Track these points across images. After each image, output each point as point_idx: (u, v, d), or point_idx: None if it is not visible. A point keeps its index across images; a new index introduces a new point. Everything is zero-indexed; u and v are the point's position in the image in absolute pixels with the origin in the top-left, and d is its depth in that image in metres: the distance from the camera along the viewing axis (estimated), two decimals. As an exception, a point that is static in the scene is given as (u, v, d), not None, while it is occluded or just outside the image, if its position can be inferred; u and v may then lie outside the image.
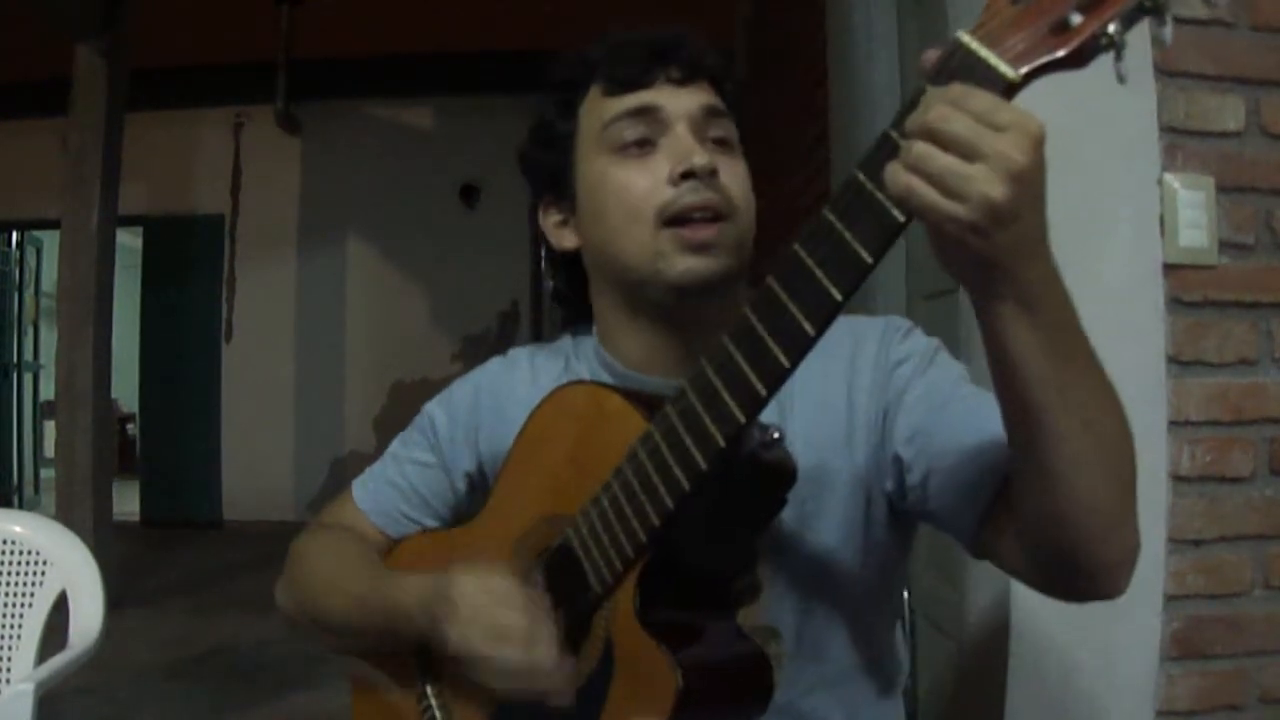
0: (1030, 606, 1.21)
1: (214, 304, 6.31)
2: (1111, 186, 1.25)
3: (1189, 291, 1.26)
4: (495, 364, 0.94)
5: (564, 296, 0.90)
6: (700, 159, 0.76)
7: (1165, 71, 1.26)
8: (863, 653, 0.81)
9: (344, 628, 0.86)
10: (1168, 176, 1.25)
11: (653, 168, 0.78)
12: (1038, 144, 0.51)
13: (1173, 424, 1.25)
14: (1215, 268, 1.27)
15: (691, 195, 0.76)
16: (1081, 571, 0.63)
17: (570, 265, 0.87)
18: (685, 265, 0.76)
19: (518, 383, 0.88)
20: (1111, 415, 0.59)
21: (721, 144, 0.80)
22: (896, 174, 0.51)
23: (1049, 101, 1.23)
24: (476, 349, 6.09)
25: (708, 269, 0.76)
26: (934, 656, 1.46)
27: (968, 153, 0.50)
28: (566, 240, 0.85)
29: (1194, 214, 1.26)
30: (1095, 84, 1.30)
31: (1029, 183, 0.50)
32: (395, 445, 0.95)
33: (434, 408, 0.94)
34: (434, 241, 6.20)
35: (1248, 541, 1.26)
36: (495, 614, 0.69)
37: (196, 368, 6.21)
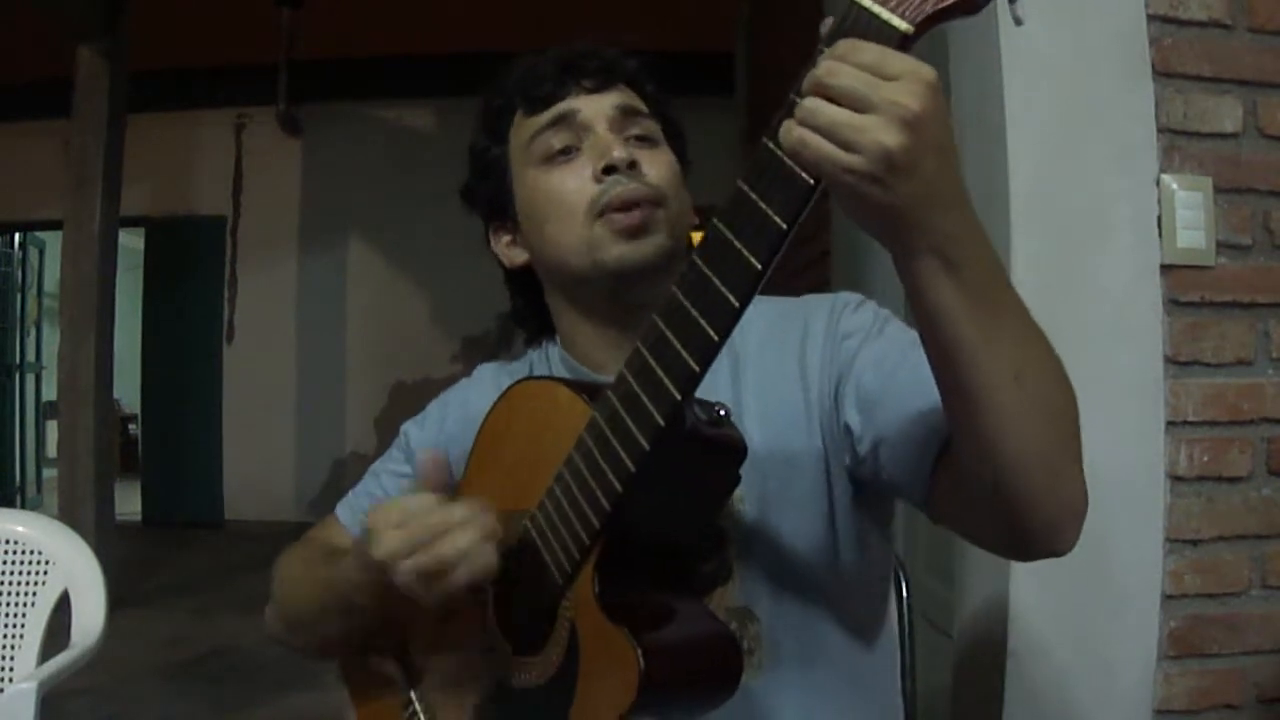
0: (1027, 605, 1.21)
1: (215, 305, 6.32)
2: (1109, 187, 1.25)
3: (1186, 292, 1.26)
4: (463, 382, 0.98)
5: (524, 315, 0.94)
6: (619, 152, 0.80)
7: (1163, 73, 1.26)
8: (845, 630, 0.81)
9: (316, 620, 0.87)
10: (1165, 177, 1.26)
11: (578, 169, 0.81)
12: (931, 90, 0.50)
13: (1170, 424, 1.25)
14: (1213, 268, 1.27)
15: (616, 188, 0.79)
16: (1025, 528, 0.62)
17: (525, 282, 0.90)
18: (619, 251, 0.79)
19: (483, 394, 0.89)
20: (1043, 367, 0.59)
21: (643, 140, 0.84)
22: (789, 130, 0.51)
23: (1048, 103, 1.25)
24: (476, 350, 6.09)
25: (641, 253, 0.79)
26: (931, 655, 1.46)
27: (859, 104, 0.50)
28: (517, 257, 0.89)
29: (1192, 215, 1.26)
30: (1093, 86, 1.31)
31: (925, 128, 0.50)
32: (375, 464, 0.99)
33: (409, 425, 0.98)
34: (435, 243, 6.19)
35: (1245, 541, 1.27)
36: (400, 503, 0.69)
37: (198, 368, 6.21)
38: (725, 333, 0.57)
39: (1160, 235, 1.25)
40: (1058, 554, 0.64)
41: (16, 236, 6.51)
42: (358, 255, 6.41)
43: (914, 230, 0.53)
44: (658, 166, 0.82)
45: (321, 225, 6.35)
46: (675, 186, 0.83)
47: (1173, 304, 1.26)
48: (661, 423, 0.60)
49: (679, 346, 0.59)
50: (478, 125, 0.90)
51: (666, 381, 0.59)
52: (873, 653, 0.84)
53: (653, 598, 0.68)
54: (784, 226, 0.53)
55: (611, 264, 0.79)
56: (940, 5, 0.50)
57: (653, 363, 0.60)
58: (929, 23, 0.51)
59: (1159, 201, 1.26)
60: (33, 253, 6.74)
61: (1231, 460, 1.27)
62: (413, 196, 6.20)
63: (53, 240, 5.91)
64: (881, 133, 0.49)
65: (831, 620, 0.80)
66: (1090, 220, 1.25)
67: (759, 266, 0.54)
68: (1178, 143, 1.27)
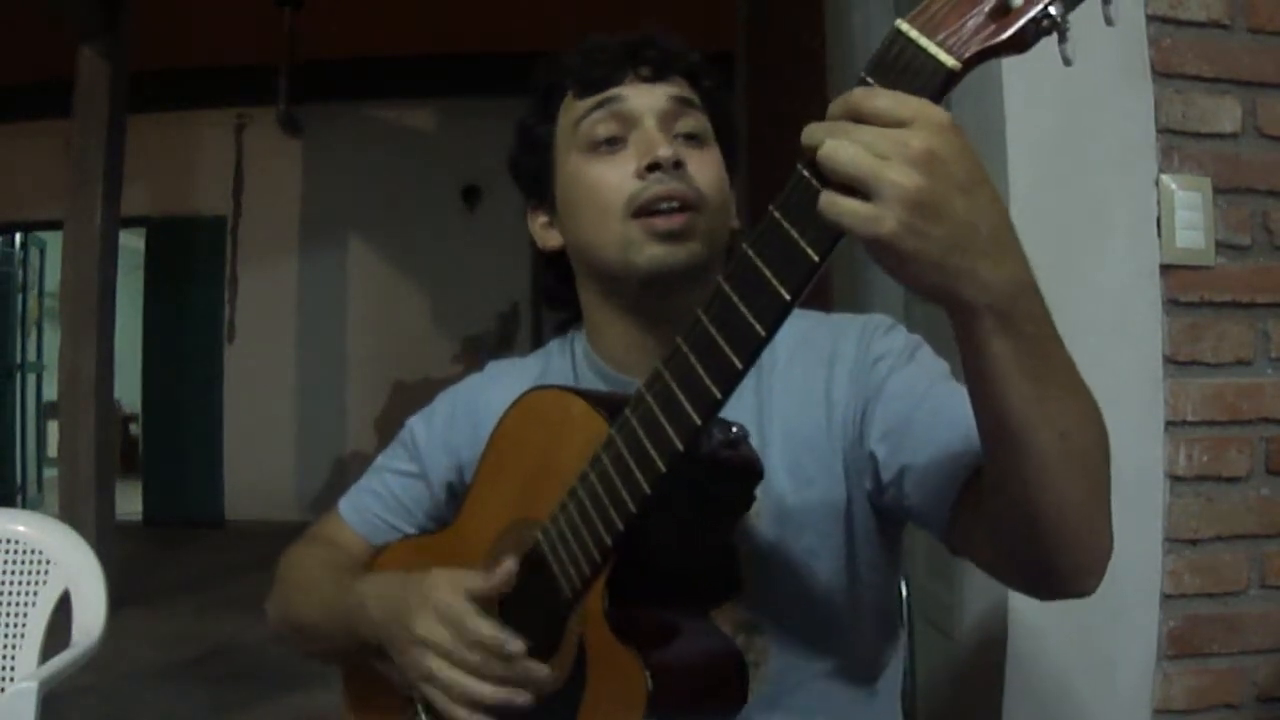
0: (1028, 606, 1.21)
1: (216, 305, 6.32)
2: (1109, 188, 1.25)
3: (1186, 292, 1.26)
4: (474, 378, 0.97)
5: (554, 297, 0.92)
6: (665, 150, 0.77)
7: (1162, 73, 1.27)
8: (851, 649, 0.81)
9: (317, 633, 0.87)
10: (1165, 178, 1.26)
11: (622, 163, 0.80)
12: (941, 129, 0.49)
13: (1170, 424, 1.25)
14: (1212, 268, 1.27)
15: (657, 186, 0.77)
16: (1053, 573, 0.62)
17: (558, 264, 0.89)
18: (653, 253, 0.78)
19: (493, 394, 0.89)
20: (1088, 422, 0.58)
21: (691, 138, 0.82)
22: (826, 199, 0.51)
23: (1048, 104, 1.25)
24: (477, 349, 6.09)
25: (675, 257, 0.78)
26: (931, 656, 1.46)
27: (873, 150, 0.49)
28: (551, 240, 0.88)
29: (1191, 215, 1.26)
30: (1092, 86, 1.31)
31: (941, 166, 0.49)
32: (378, 459, 0.98)
33: (415, 421, 0.96)
34: (435, 243, 6.21)
35: (1244, 541, 1.27)
36: (467, 617, 0.70)
37: (199, 368, 6.22)
38: (750, 361, 0.56)
39: (1159, 235, 1.25)
40: (1081, 596, 0.64)
41: (17, 236, 6.51)
42: (358, 255, 6.41)
43: (963, 281, 0.51)
44: (704, 169, 0.80)
45: (321, 225, 6.35)
46: (718, 191, 0.81)
47: (1172, 304, 1.26)
48: (680, 447, 0.60)
49: (702, 372, 0.58)
50: (528, 100, 0.88)
51: (688, 406, 0.59)
52: (877, 669, 0.83)
53: (662, 616, 0.68)
54: (816, 259, 0.52)
55: (643, 265, 0.78)
56: (989, 43, 0.49)
57: (674, 386, 0.60)
58: (977, 59, 0.50)
59: (1158, 202, 1.26)
60: (33, 253, 6.73)
61: (1230, 460, 1.27)
62: (413, 196, 6.21)
63: (53, 240, 5.90)
64: (895, 173, 0.48)
65: (841, 641, 0.80)
66: (1090, 220, 1.25)
67: (788, 298, 0.53)
68: (1177, 143, 1.27)
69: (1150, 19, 1.26)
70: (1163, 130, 1.26)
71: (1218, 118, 1.28)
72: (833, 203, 0.50)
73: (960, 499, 0.68)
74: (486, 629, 0.69)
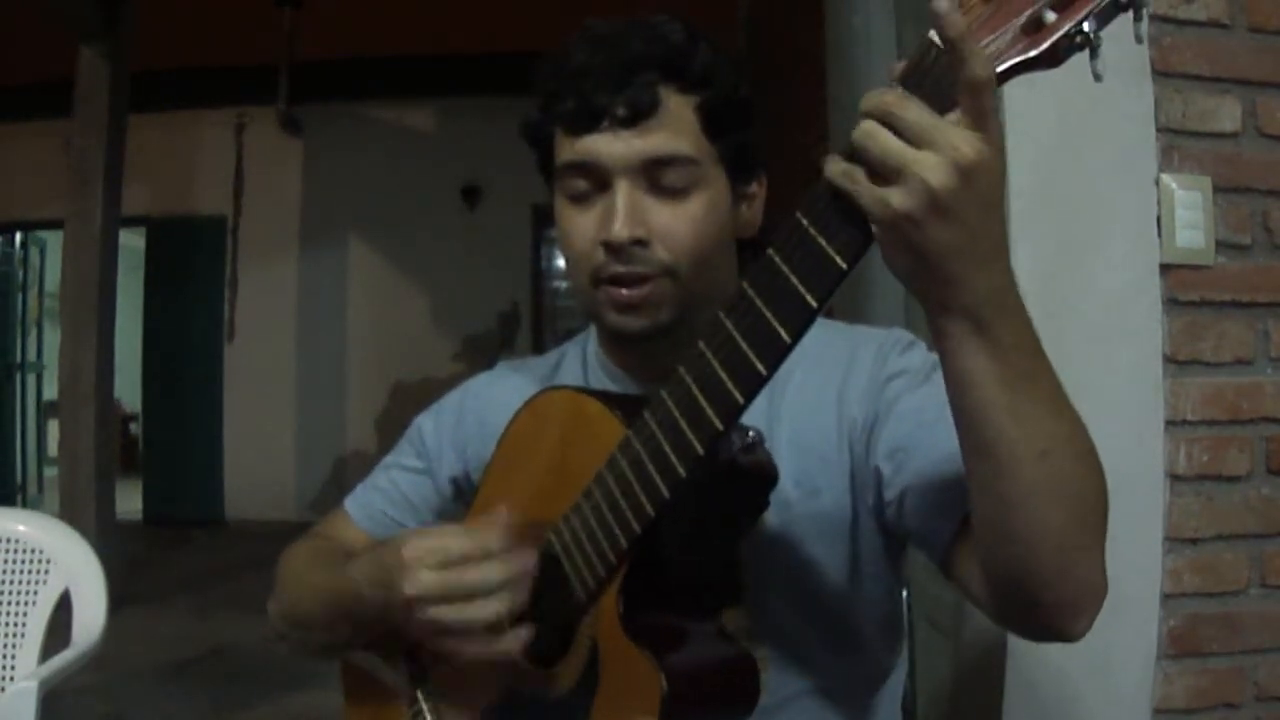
0: (1028, 605, 1.21)
1: (216, 304, 6.33)
2: (1109, 187, 1.25)
3: (1186, 291, 1.26)
4: (482, 377, 0.96)
5: None
6: (620, 231, 0.74)
7: (1162, 73, 1.26)
8: (851, 662, 0.80)
9: (315, 625, 0.86)
10: (1165, 177, 1.26)
11: (593, 220, 0.77)
12: (994, 144, 0.50)
13: (1170, 423, 1.25)
14: (1212, 268, 1.27)
15: (616, 265, 0.76)
16: (1036, 608, 0.60)
17: None
18: (615, 322, 0.78)
19: (502, 393, 0.88)
20: (1071, 447, 0.57)
21: (671, 193, 0.76)
22: (835, 161, 0.51)
23: (1047, 103, 1.24)
24: (477, 349, 6.10)
25: (637, 327, 0.77)
26: (931, 657, 1.46)
27: (918, 139, 0.49)
28: None
29: (1191, 214, 1.26)
30: (1092, 85, 1.31)
31: (976, 179, 0.49)
32: (386, 458, 0.98)
33: (422, 419, 0.96)
34: (435, 242, 6.21)
35: (1244, 540, 1.27)
36: (443, 542, 0.69)
37: (199, 367, 6.22)
38: (775, 367, 0.56)
39: (1159, 235, 1.25)
40: (1066, 639, 0.62)
41: (18, 236, 6.51)
42: (358, 255, 6.41)
43: (948, 284, 0.51)
44: (677, 230, 0.76)
45: (321, 225, 6.35)
46: (696, 249, 0.76)
47: (1172, 303, 1.26)
48: (701, 452, 0.59)
49: (724, 376, 0.57)
50: (529, 103, 0.82)
51: (709, 411, 0.58)
52: (877, 679, 0.83)
53: (675, 620, 0.68)
54: (844, 266, 0.52)
55: (610, 328, 0.79)
56: (1022, 57, 0.50)
57: (695, 390, 0.59)
58: (1010, 74, 0.50)
59: (1158, 201, 1.25)
60: (34, 252, 6.73)
61: (1231, 459, 1.27)
62: (413, 196, 6.21)
63: (54, 240, 5.89)
64: (930, 171, 0.48)
65: (842, 653, 0.79)
66: (1090, 220, 1.25)
67: (814, 305, 0.53)
68: (1177, 142, 1.27)
69: (1150, 18, 1.26)
70: (1163, 130, 1.26)
71: (1218, 117, 1.28)
72: (857, 177, 0.50)
73: (960, 527, 0.67)
74: (463, 540, 0.69)
